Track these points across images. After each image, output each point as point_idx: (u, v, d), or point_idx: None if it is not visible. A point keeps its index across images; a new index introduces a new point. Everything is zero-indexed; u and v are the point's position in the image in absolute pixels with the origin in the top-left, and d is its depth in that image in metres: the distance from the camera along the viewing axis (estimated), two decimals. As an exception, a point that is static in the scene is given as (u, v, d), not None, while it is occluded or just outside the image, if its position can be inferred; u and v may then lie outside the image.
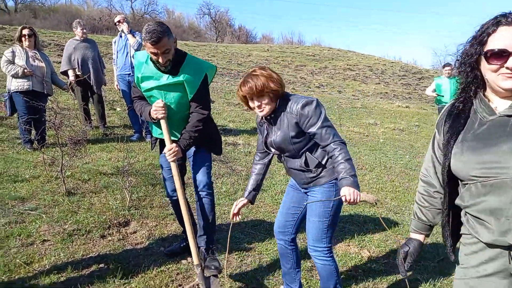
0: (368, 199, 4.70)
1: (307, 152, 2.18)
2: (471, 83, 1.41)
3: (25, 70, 4.82)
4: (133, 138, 5.96)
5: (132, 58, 5.74)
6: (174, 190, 2.69)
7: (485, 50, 1.32)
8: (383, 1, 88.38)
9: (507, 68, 1.27)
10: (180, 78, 2.51)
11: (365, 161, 6.58)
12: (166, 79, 2.53)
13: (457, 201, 1.45)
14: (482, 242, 1.38)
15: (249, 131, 7.48)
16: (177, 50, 2.55)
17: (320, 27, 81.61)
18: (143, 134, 6.06)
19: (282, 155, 2.29)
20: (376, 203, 4.65)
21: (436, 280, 3.02)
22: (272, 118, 2.20)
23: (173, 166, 2.52)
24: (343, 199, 1.95)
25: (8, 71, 4.83)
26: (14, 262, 2.66)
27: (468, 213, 1.42)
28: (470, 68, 1.39)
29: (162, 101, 2.52)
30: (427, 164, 1.60)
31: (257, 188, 2.45)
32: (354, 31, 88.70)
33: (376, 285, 2.88)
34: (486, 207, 1.32)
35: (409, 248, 1.61)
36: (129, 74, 5.76)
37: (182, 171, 2.86)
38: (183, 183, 2.65)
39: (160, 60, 2.41)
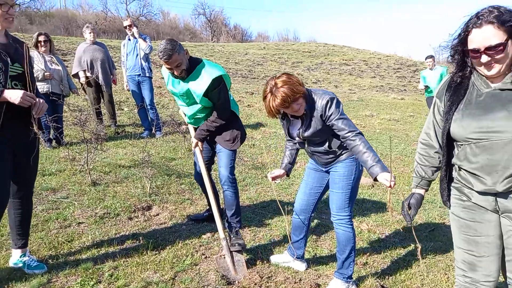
0: (366, 182, 5.10)
1: (330, 136, 2.48)
2: (464, 67, 1.72)
3: (46, 74, 5.18)
4: (144, 135, 6.34)
5: (142, 60, 6.11)
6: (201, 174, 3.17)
7: (465, 48, 1.64)
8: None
9: (483, 63, 1.59)
10: (185, 86, 2.90)
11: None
12: (180, 87, 2.94)
13: (454, 160, 1.79)
14: (474, 190, 1.71)
15: (252, 125, 7.87)
16: (193, 59, 2.91)
17: (315, 22, 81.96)
18: (153, 130, 6.44)
19: (306, 144, 2.59)
20: (373, 186, 5.04)
21: (427, 246, 3.42)
22: (304, 114, 2.43)
23: (198, 152, 3.11)
24: (387, 185, 2.12)
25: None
26: (57, 240, 3.04)
27: (463, 169, 1.74)
28: (460, 58, 1.72)
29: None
30: (427, 129, 1.92)
31: (292, 162, 2.76)
32: (349, 25, 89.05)
33: (374, 250, 3.27)
34: (479, 164, 1.64)
35: (413, 200, 1.94)
36: (139, 74, 6.13)
37: (209, 165, 3.40)
38: (209, 170, 3.21)
39: (175, 72, 2.81)
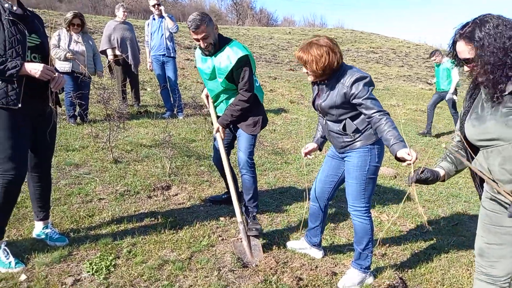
0: (388, 173, 4.98)
1: (348, 119, 2.42)
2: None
3: (68, 54, 5.24)
4: (165, 116, 6.37)
5: (167, 40, 6.10)
6: (220, 158, 3.14)
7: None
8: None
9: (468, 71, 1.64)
10: (212, 62, 2.88)
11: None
12: (207, 65, 2.94)
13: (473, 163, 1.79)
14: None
15: (273, 110, 7.80)
16: (222, 37, 2.89)
17: (342, 10, 80.00)
18: (175, 111, 6.46)
19: (324, 118, 2.55)
20: (395, 176, 4.92)
21: (450, 240, 3.32)
22: (325, 84, 2.43)
23: (218, 138, 3.05)
24: (406, 162, 2.02)
25: (54, 54, 5.25)
26: (78, 214, 3.11)
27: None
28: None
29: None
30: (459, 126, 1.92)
31: (324, 136, 2.72)
32: (377, 13, 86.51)
33: (394, 242, 3.20)
34: (488, 167, 1.66)
35: (428, 169, 1.85)
36: (164, 54, 6.13)
37: (229, 149, 3.36)
38: (228, 154, 3.20)
39: (201, 44, 2.79)
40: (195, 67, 10.78)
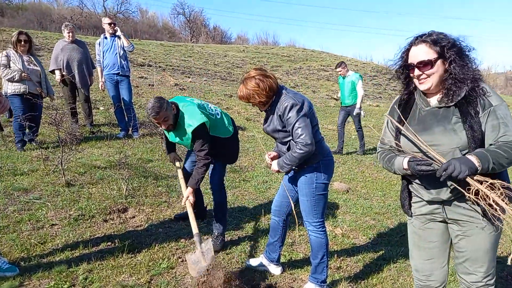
0: (341, 188, 5.21)
1: (292, 141, 2.56)
2: (409, 84, 1.93)
3: (23, 74, 5.02)
4: (120, 136, 6.25)
5: (121, 58, 6.03)
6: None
7: (405, 64, 1.84)
8: (353, 1, 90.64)
9: (416, 76, 1.79)
10: (176, 136, 3.12)
11: (338, 156, 7.13)
12: (173, 136, 3.18)
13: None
14: (424, 200, 1.88)
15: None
16: (178, 111, 3.07)
17: (293, 27, 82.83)
18: (130, 131, 6.36)
19: (274, 140, 2.71)
20: (348, 191, 5.16)
21: (398, 251, 3.54)
22: (269, 110, 2.60)
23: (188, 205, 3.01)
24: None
25: (4, 75, 4.98)
26: (29, 242, 2.97)
27: (413, 181, 1.93)
28: (405, 76, 1.91)
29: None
30: (382, 139, 2.05)
31: None
32: (327, 32, 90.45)
33: (347, 255, 3.37)
34: (425, 174, 1.79)
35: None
36: (118, 73, 6.03)
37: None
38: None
39: (163, 126, 3.07)
40: (149, 85, 10.67)
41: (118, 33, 6.06)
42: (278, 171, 2.61)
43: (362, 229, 3.96)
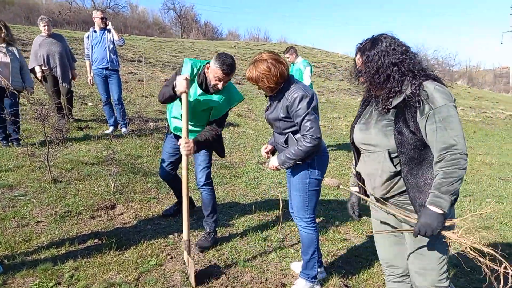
0: (332, 183, 5.20)
1: (291, 133, 2.51)
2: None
3: None
4: (108, 131, 6.15)
5: (110, 53, 5.92)
6: (169, 173, 3.32)
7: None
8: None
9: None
10: (213, 99, 2.89)
11: (329, 152, 7.12)
12: (199, 94, 2.87)
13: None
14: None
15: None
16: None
17: (285, 23, 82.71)
18: (119, 127, 6.26)
19: (273, 129, 2.65)
20: (339, 186, 5.15)
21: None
22: (274, 97, 2.51)
23: (185, 159, 2.69)
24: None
25: None
26: (13, 239, 2.90)
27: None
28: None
29: (188, 76, 2.67)
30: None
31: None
32: (318, 27, 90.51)
33: (338, 251, 3.35)
34: (365, 171, 1.92)
35: (353, 200, 2.17)
36: (107, 68, 5.93)
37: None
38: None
39: (219, 86, 2.79)
40: (139, 80, 10.55)
41: (109, 26, 5.96)
42: (276, 168, 2.54)
43: (352, 225, 3.94)
